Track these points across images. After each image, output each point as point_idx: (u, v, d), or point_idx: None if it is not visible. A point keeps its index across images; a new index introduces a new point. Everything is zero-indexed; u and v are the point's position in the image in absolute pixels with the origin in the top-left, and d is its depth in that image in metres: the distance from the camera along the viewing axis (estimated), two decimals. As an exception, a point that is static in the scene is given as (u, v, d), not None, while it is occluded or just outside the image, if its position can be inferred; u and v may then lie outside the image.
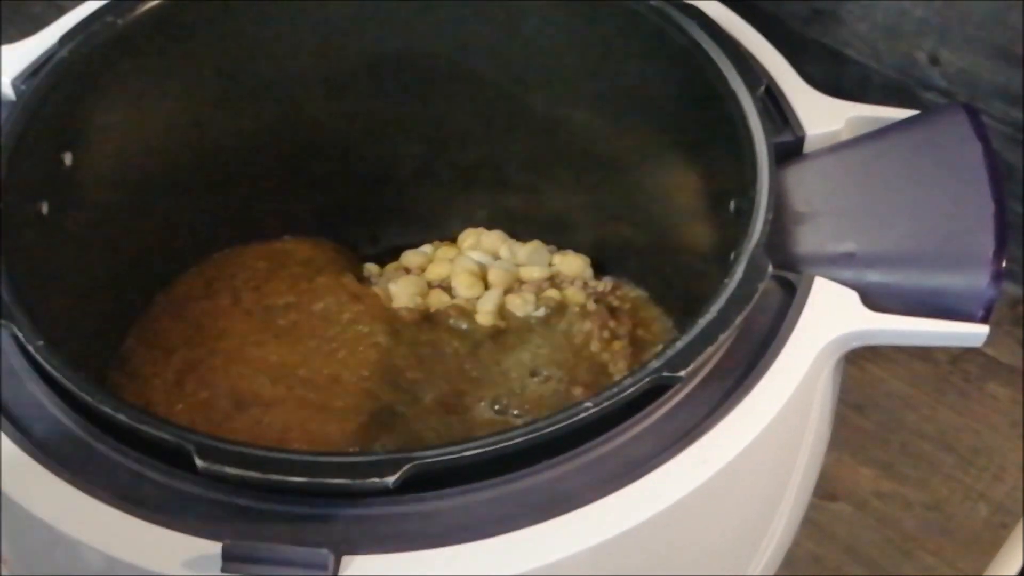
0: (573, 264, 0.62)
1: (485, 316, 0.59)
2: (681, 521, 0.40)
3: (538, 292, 0.60)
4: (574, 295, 0.60)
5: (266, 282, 0.60)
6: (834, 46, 0.68)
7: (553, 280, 0.61)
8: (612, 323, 0.58)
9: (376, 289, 0.61)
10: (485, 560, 0.38)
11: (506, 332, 0.59)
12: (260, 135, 0.60)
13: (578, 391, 0.56)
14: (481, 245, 0.63)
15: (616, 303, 0.60)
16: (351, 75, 0.59)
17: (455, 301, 0.60)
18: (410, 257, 0.63)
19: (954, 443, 0.66)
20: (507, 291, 0.61)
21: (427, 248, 0.64)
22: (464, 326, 0.59)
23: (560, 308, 0.59)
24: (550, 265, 0.62)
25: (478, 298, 0.60)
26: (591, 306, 0.59)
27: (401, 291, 0.60)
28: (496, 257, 0.63)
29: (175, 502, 0.39)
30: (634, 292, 0.61)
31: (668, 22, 0.51)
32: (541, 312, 0.59)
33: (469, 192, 0.64)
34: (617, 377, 0.53)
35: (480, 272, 0.62)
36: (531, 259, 0.62)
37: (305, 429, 0.54)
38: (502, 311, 0.59)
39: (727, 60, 0.49)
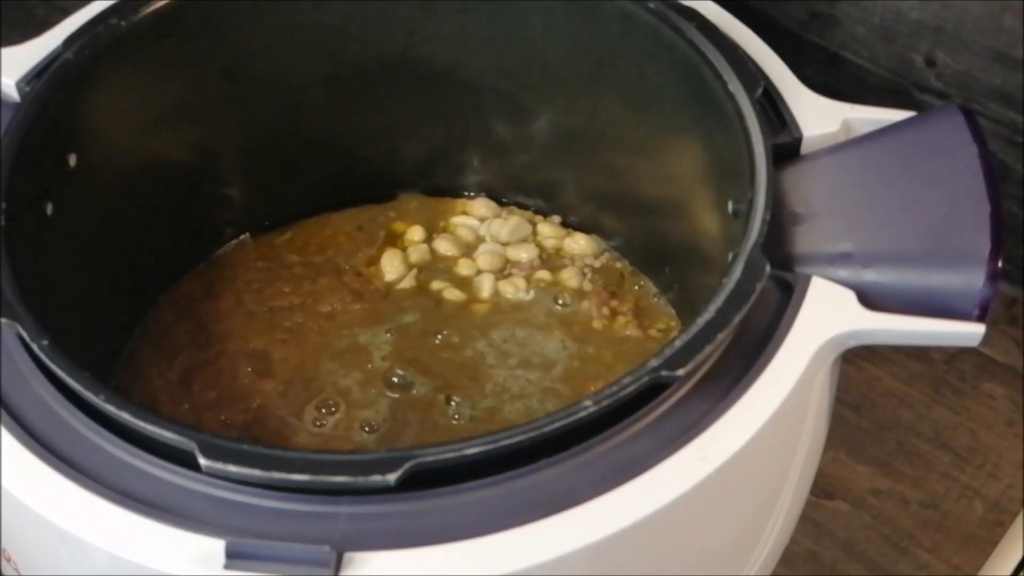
0: (581, 245, 0.62)
1: (482, 305, 0.59)
2: (679, 519, 0.41)
3: (529, 275, 0.61)
4: (568, 277, 0.60)
5: (268, 283, 0.60)
6: (831, 48, 0.68)
7: (544, 260, 0.62)
8: (614, 302, 0.59)
9: (372, 269, 0.61)
10: (486, 557, 0.38)
11: (503, 318, 0.59)
12: (262, 136, 0.60)
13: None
14: (469, 212, 0.64)
15: (619, 268, 0.61)
16: (351, 75, 0.59)
17: (453, 287, 0.60)
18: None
19: (950, 441, 0.66)
20: (499, 276, 0.61)
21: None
22: (464, 318, 0.59)
23: (552, 288, 0.60)
24: (541, 247, 0.62)
25: (475, 276, 0.60)
26: (587, 286, 0.60)
27: (389, 265, 0.61)
28: (481, 221, 0.63)
29: (178, 500, 0.40)
30: (631, 269, 0.61)
31: (666, 24, 0.51)
32: (533, 295, 0.60)
33: (469, 192, 0.65)
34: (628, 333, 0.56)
35: (471, 240, 0.62)
36: (512, 235, 0.62)
37: (307, 428, 0.54)
38: (498, 297, 0.60)
39: (725, 62, 0.49)
